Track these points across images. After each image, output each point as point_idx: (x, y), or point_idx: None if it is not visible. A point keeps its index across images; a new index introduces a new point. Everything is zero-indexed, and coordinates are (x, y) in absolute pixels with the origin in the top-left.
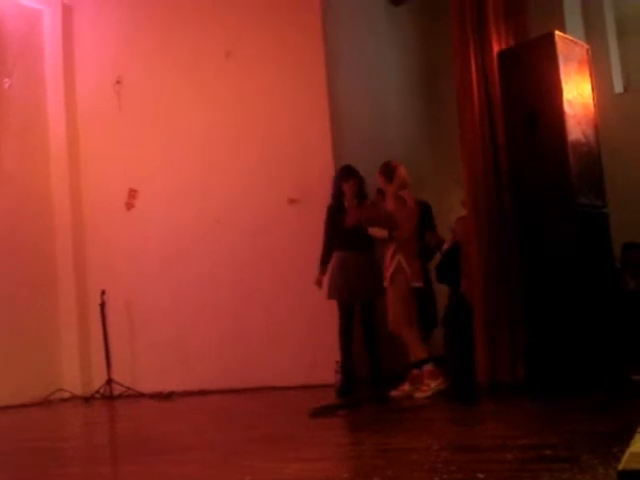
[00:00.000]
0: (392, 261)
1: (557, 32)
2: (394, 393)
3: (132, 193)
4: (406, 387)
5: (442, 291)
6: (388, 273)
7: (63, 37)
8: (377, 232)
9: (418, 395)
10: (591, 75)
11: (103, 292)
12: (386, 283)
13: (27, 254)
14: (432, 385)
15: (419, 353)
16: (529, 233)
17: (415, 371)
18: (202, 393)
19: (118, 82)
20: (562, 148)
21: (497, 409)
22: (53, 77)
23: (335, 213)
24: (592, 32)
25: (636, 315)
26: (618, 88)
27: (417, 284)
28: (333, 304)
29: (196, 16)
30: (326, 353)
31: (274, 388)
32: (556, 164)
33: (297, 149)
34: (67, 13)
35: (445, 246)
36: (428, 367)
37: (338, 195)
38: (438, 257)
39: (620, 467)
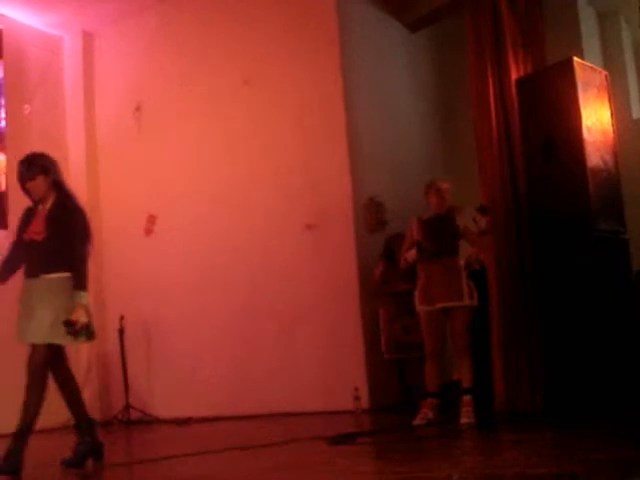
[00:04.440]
0: (465, 278)
1: (575, 58)
2: (417, 422)
3: (151, 219)
4: (429, 413)
5: None
6: (465, 290)
7: (83, 64)
8: None
9: (464, 421)
10: (610, 101)
11: (122, 317)
12: (468, 301)
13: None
14: (474, 413)
15: (472, 380)
16: (548, 259)
17: (466, 397)
18: (218, 419)
19: (137, 109)
20: (581, 174)
21: (516, 437)
22: (73, 103)
23: None
24: (610, 59)
25: None
26: (636, 114)
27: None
28: (350, 329)
29: (215, 44)
30: (343, 379)
31: (291, 414)
32: (575, 190)
33: (315, 175)
34: (87, 40)
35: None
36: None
37: None
38: None
39: None
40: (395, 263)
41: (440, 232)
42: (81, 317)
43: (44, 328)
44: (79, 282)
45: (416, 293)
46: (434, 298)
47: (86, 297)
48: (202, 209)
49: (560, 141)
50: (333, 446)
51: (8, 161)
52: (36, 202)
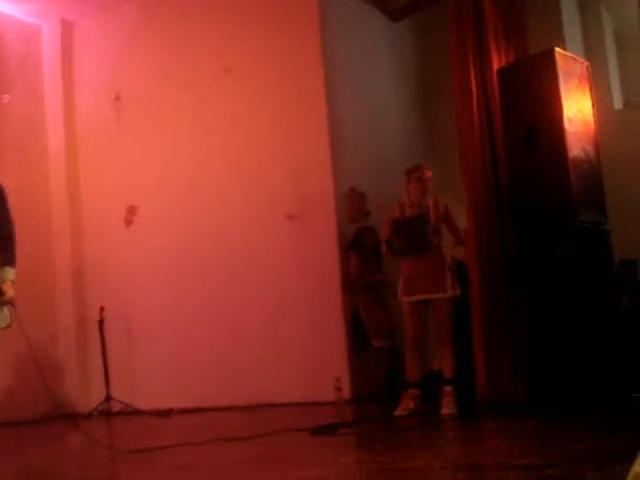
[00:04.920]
0: (449, 270)
1: (557, 49)
2: (398, 412)
3: (131, 209)
4: (410, 404)
5: None
6: (447, 282)
7: (62, 53)
8: None
9: (446, 412)
10: (591, 92)
11: (102, 309)
12: (450, 292)
13: (25, 270)
14: (455, 404)
15: (454, 370)
16: (529, 250)
17: (448, 387)
18: (200, 410)
19: (117, 98)
20: (563, 165)
21: (498, 427)
22: (52, 93)
23: None
24: (591, 48)
25: (631, 331)
26: (618, 104)
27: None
28: (332, 320)
29: (195, 32)
30: (326, 370)
31: (273, 405)
32: (557, 181)
33: (296, 165)
34: (66, 29)
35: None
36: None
37: None
38: None
39: None
40: (366, 254)
41: (409, 232)
42: (9, 290)
43: None
44: (8, 259)
45: (400, 284)
46: (417, 289)
47: (14, 274)
48: (182, 199)
49: (541, 131)
50: (315, 437)
51: None
52: None
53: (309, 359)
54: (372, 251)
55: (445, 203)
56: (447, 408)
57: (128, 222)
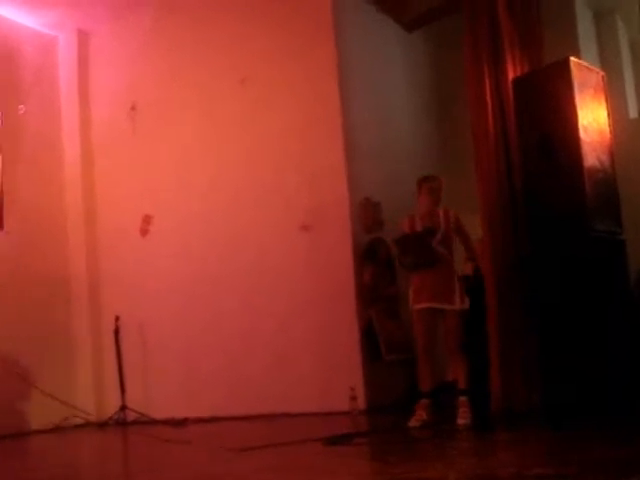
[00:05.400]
0: (457, 283)
1: (572, 58)
2: (412, 423)
3: (147, 219)
4: (423, 415)
5: None
6: (456, 294)
7: (78, 63)
8: None
9: (461, 422)
10: (606, 101)
11: (117, 318)
12: (458, 305)
13: (41, 279)
14: (470, 414)
15: (468, 380)
16: (544, 259)
17: (462, 398)
18: (215, 420)
19: (133, 108)
20: (578, 174)
21: (512, 438)
22: (68, 103)
23: None
24: (607, 58)
25: None
26: (633, 113)
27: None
28: (345, 330)
29: (210, 43)
30: (340, 379)
31: (287, 415)
32: (572, 190)
33: (311, 175)
34: (82, 39)
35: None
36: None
37: None
38: None
39: None
40: (379, 265)
41: (417, 247)
42: None
43: None
44: None
45: (410, 293)
46: (426, 298)
47: None
48: (197, 209)
49: (556, 141)
50: (329, 447)
51: (3, 161)
52: None
53: (323, 368)
54: (385, 262)
55: (456, 215)
56: (462, 418)
57: (144, 232)
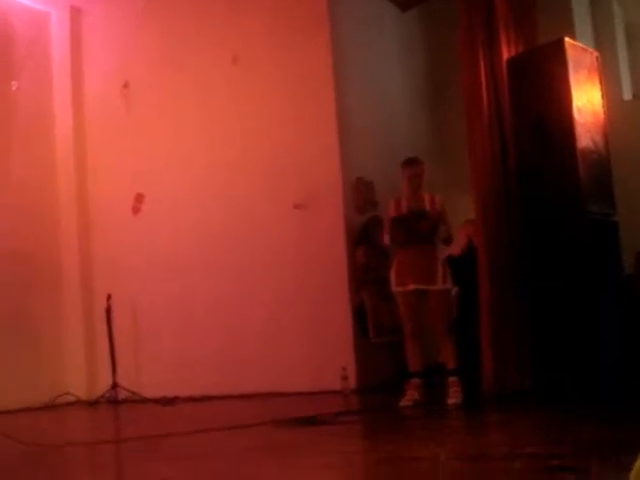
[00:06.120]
0: (441, 263)
1: (567, 39)
2: (403, 403)
3: (139, 197)
4: (415, 394)
5: None
6: (439, 275)
7: (71, 40)
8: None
9: (451, 401)
10: (601, 82)
11: (109, 296)
12: (441, 285)
13: (33, 258)
14: (461, 394)
15: (457, 361)
16: (538, 241)
17: (452, 378)
18: (206, 399)
19: (125, 86)
20: (571, 156)
21: (504, 418)
22: (60, 80)
23: None
24: (601, 39)
25: None
26: (627, 95)
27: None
28: (337, 310)
29: (204, 21)
30: (331, 359)
31: (279, 394)
32: (566, 172)
33: (304, 155)
34: (75, 16)
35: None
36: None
37: None
38: None
39: (632, 477)
40: (374, 246)
41: (408, 226)
42: None
43: None
44: None
45: (391, 275)
46: (408, 280)
47: None
48: (189, 188)
49: (550, 121)
50: (318, 425)
51: None
52: None
53: (315, 348)
54: (379, 243)
55: (442, 201)
56: (453, 398)
57: (136, 210)
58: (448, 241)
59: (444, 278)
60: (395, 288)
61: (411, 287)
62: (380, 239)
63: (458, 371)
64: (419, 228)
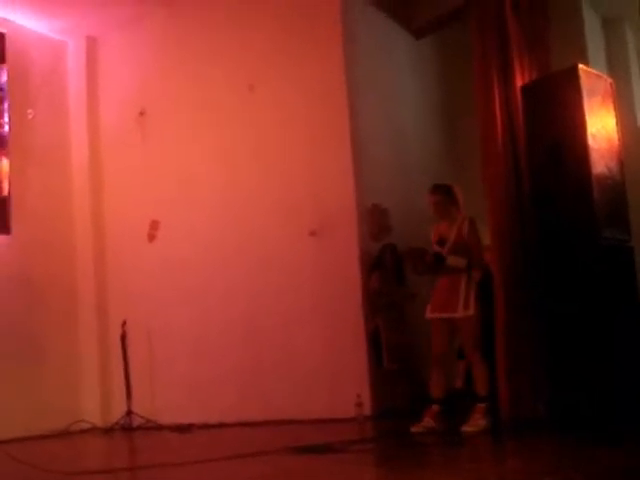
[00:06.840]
0: (464, 290)
1: (580, 65)
2: (415, 429)
3: (154, 224)
4: (430, 422)
5: None
6: (460, 302)
7: (87, 68)
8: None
9: (467, 429)
10: (615, 108)
11: (124, 323)
12: (461, 313)
13: (49, 284)
14: (483, 422)
15: (485, 386)
16: (553, 267)
17: (480, 405)
18: (221, 426)
19: (141, 114)
20: (586, 182)
21: (519, 445)
22: (77, 108)
23: None
24: (615, 65)
25: None
26: None
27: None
28: (352, 336)
29: (219, 49)
30: (346, 385)
31: (294, 421)
32: (580, 198)
33: (319, 181)
34: (91, 45)
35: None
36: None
37: None
38: None
39: None
40: (387, 272)
41: (423, 255)
42: None
43: None
44: None
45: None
46: (436, 308)
47: None
48: (205, 215)
49: (565, 148)
50: (331, 453)
51: (11, 166)
52: None
53: (330, 375)
54: (393, 268)
55: (470, 220)
56: (471, 426)
57: (151, 237)
58: (472, 259)
59: (466, 305)
60: (427, 314)
61: (436, 315)
62: (391, 262)
63: (487, 398)
64: (425, 261)
